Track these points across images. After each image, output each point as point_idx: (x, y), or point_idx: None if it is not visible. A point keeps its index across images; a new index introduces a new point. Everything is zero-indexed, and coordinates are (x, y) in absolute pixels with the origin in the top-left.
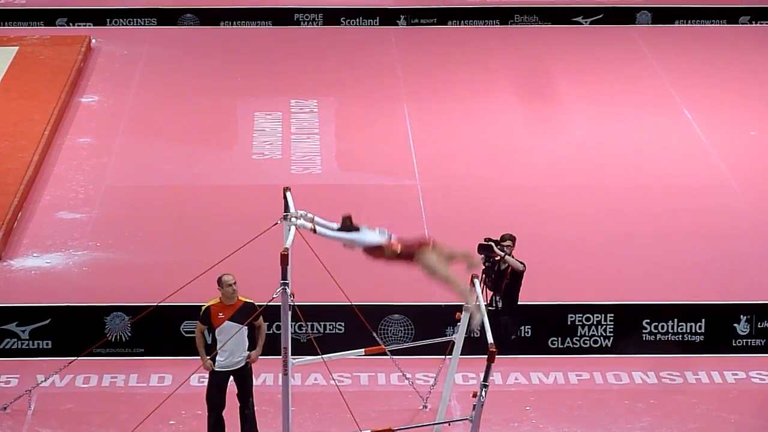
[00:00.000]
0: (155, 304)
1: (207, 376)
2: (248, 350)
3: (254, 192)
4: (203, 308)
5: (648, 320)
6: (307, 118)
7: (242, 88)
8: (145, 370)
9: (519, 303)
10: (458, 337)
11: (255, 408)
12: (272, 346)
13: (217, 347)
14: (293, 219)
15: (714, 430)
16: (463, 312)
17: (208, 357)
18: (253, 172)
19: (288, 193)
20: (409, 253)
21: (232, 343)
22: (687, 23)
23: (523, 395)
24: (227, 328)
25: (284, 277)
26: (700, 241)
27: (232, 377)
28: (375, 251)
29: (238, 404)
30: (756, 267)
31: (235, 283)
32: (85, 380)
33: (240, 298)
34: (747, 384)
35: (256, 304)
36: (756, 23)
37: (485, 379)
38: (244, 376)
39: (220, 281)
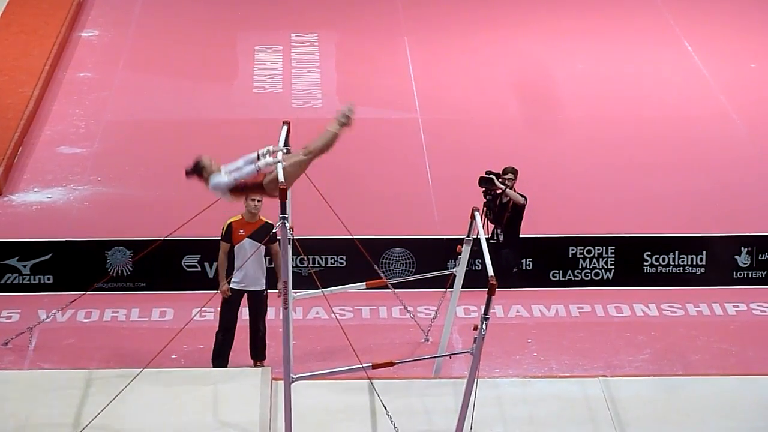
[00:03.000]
0: (157, 239)
1: (208, 310)
2: (265, 277)
3: (255, 126)
4: (225, 225)
5: (649, 252)
6: (307, 51)
7: (243, 21)
8: (147, 305)
9: (520, 236)
10: (459, 270)
11: (266, 334)
12: (274, 280)
13: (235, 264)
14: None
15: (715, 362)
16: (465, 244)
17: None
18: (253, 106)
19: (284, 128)
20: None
21: (248, 262)
22: None
23: (525, 328)
24: (246, 246)
25: (283, 210)
26: (700, 172)
27: (246, 298)
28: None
29: (249, 328)
30: (756, 198)
31: (259, 200)
32: (87, 315)
33: (262, 218)
34: (748, 316)
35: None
36: None
37: (486, 312)
38: (257, 300)
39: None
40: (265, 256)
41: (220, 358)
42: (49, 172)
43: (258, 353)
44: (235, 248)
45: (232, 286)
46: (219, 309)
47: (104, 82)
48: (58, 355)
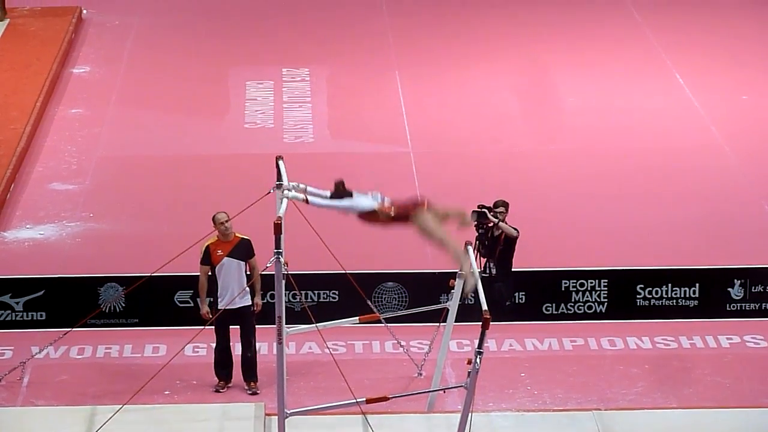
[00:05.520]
0: (149, 274)
1: (201, 346)
2: (249, 293)
3: (247, 161)
4: (202, 248)
5: (642, 285)
6: (298, 86)
7: (234, 57)
8: (140, 341)
9: (513, 269)
10: (452, 305)
11: (256, 355)
12: (266, 316)
13: (218, 285)
14: (285, 191)
15: (709, 394)
16: (457, 278)
17: (209, 299)
18: (245, 141)
19: (280, 162)
20: (404, 215)
21: (231, 280)
22: None
23: (518, 362)
24: (226, 265)
25: (277, 245)
26: (692, 205)
27: (234, 317)
28: (369, 216)
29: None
30: (749, 231)
31: (227, 220)
32: (80, 351)
33: (237, 234)
34: (741, 348)
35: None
36: None
37: (480, 345)
38: (244, 318)
39: (213, 219)
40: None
41: (223, 370)
42: (42, 209)
43: (250, 374)
44: (216, 268)
45: (220, 306)
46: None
47: (96, 119)
48: (51, 392)
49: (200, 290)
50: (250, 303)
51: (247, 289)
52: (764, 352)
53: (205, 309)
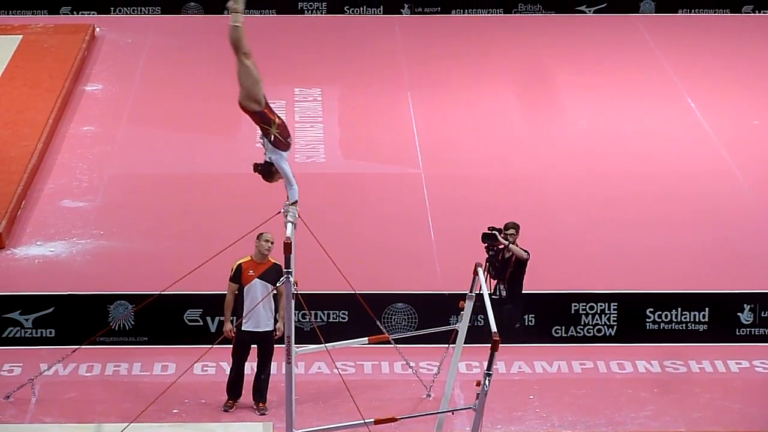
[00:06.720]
0: (159, 292)
1: (210, 364)
2: (273, 318)
3: (258, 180)
4: (234, 266)
5: (651, 309)
6: (310, 106)
7: None
8: (149, 359)
9: (523, 291)
10: (462, 326)
11: (269, 377)
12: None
13: (244, 306)
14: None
15: (717, 419)
16: (467, 300)
17: (232, 318)
18: (256, 160)
19: None
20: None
21: (257, 302)
22: (690, 12)
23: (527, 384)
24: (255, 286)
25: (287, 265)
26: (703, 229)
27: (255, 338)
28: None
29: (256, 368)
30: (759, 255)
31: (272, 242)
32: (89, 369)
33: (270, 259)
34: (751, 373)
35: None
36: (759, 12)
37: (489, 367)
38: (266, 344)
39: (259, 236)
40: (275, 297)
41: (233, 391)
42: (52, 226)
43: (260, 395)
44: (245, 289)
45: (243, 328)
46: (232, 347)
47: (107, 136)
48: (60, 409)
49: (225, 308)
50: (272, 328)
51: (272, 313)
52: None
53: (228, 326)
